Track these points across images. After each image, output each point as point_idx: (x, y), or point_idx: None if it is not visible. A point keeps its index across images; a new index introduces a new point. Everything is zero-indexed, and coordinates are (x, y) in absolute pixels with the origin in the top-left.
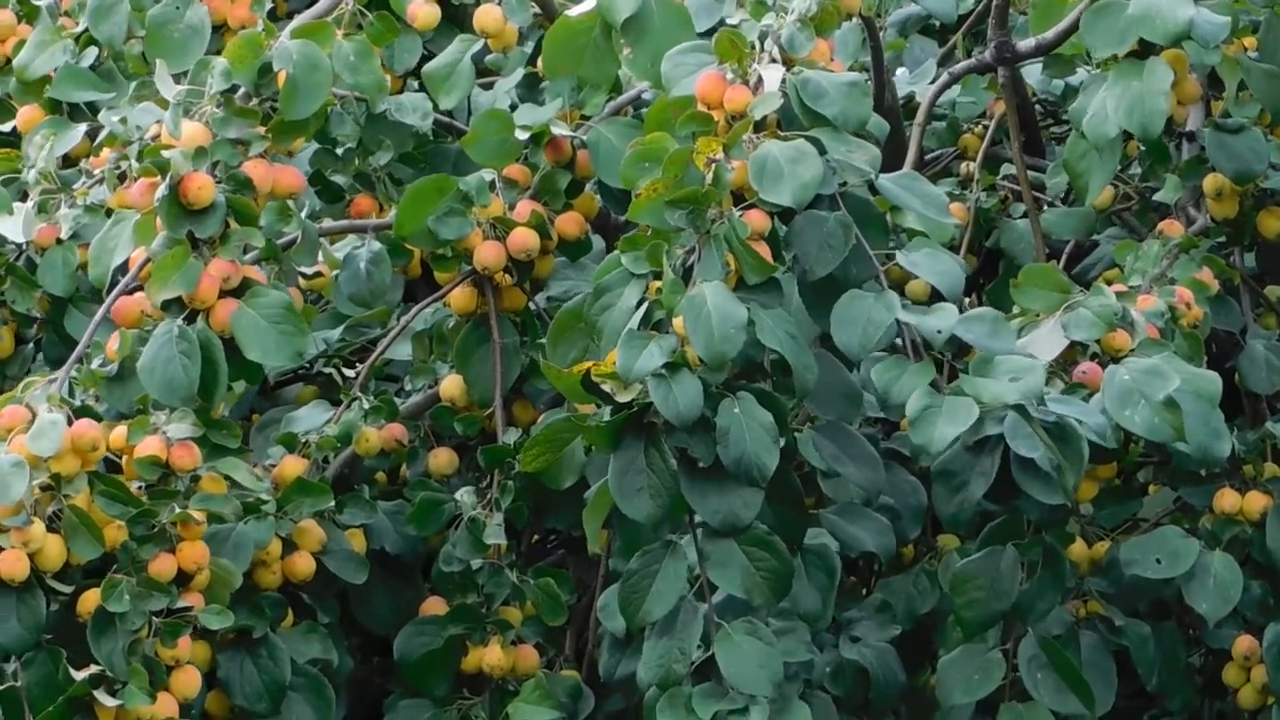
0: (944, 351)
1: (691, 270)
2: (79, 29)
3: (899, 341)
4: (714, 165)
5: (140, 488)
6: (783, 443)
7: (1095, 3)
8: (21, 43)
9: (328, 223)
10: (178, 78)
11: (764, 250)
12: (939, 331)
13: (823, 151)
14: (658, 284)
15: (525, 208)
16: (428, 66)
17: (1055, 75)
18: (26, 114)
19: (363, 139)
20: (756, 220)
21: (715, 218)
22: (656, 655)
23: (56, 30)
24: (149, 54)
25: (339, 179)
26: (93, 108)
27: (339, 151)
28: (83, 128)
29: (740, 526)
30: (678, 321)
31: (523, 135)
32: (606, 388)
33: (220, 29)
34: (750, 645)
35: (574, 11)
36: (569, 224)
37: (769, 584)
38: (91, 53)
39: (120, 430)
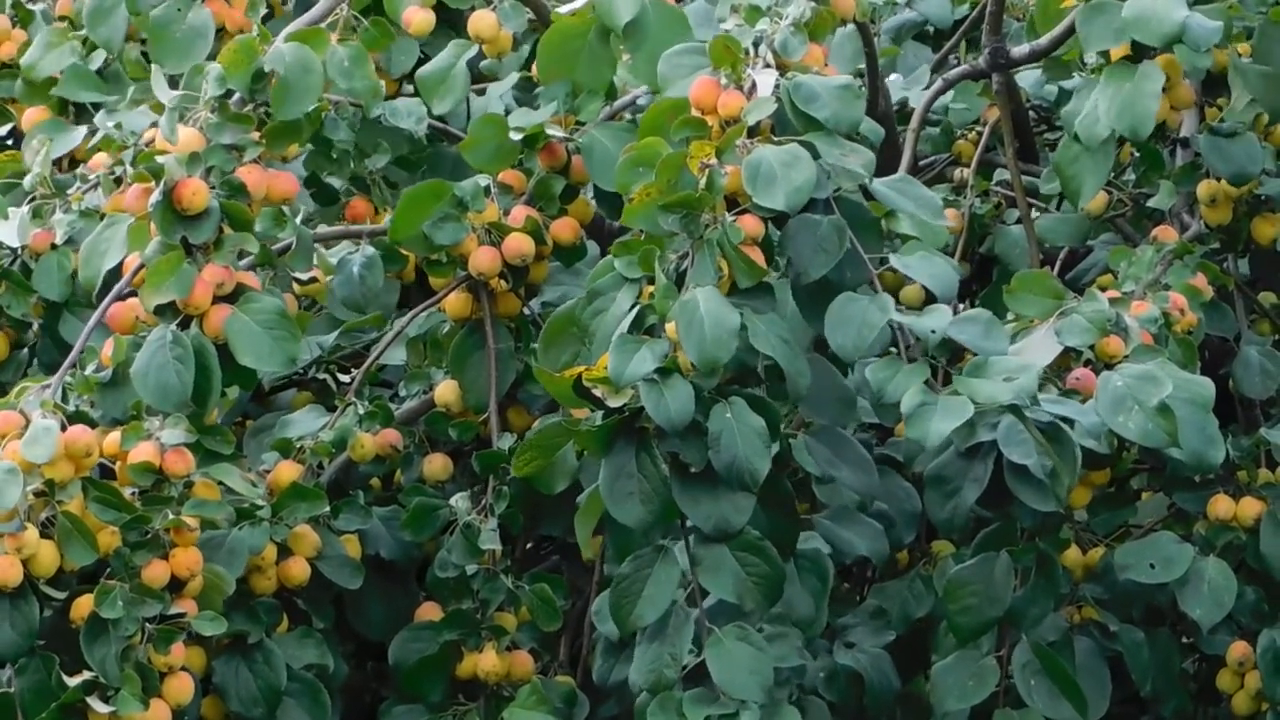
0: (938, 358)
1: (684, 275)
2: (84, 31)
3: (894, 350)
4: (707, 170)
5: (134, 493)
6: (776, 448)
7: (1090, 2)
8: (25, 46)
9: (323, 228)
10: (174, 81)
11: (757, 255)
12: (933, 331)
13: (816, 156)
14: (651, 289)
15: (520, 213)
16: (421, 71)
17: (1053, 79)
18: (32, 115)
19: (358, 142)
20: (750, 225)
21: (708, 222)
22: (648, 660)
23: (64, 31)
24: (152, 55)
25: (334, 181)
26: (99, 109)
27: (334, 155)
28: (82, 130)
29: (731, 532)
30: (670, 326)
31: (516, 136)
32: (598, 392)
33: (220, 32)
34: (741, 650)
35: (565, 9)
36: (564, 229)
37: (760, 589)
38: (99, 55)
39: (114, 436)
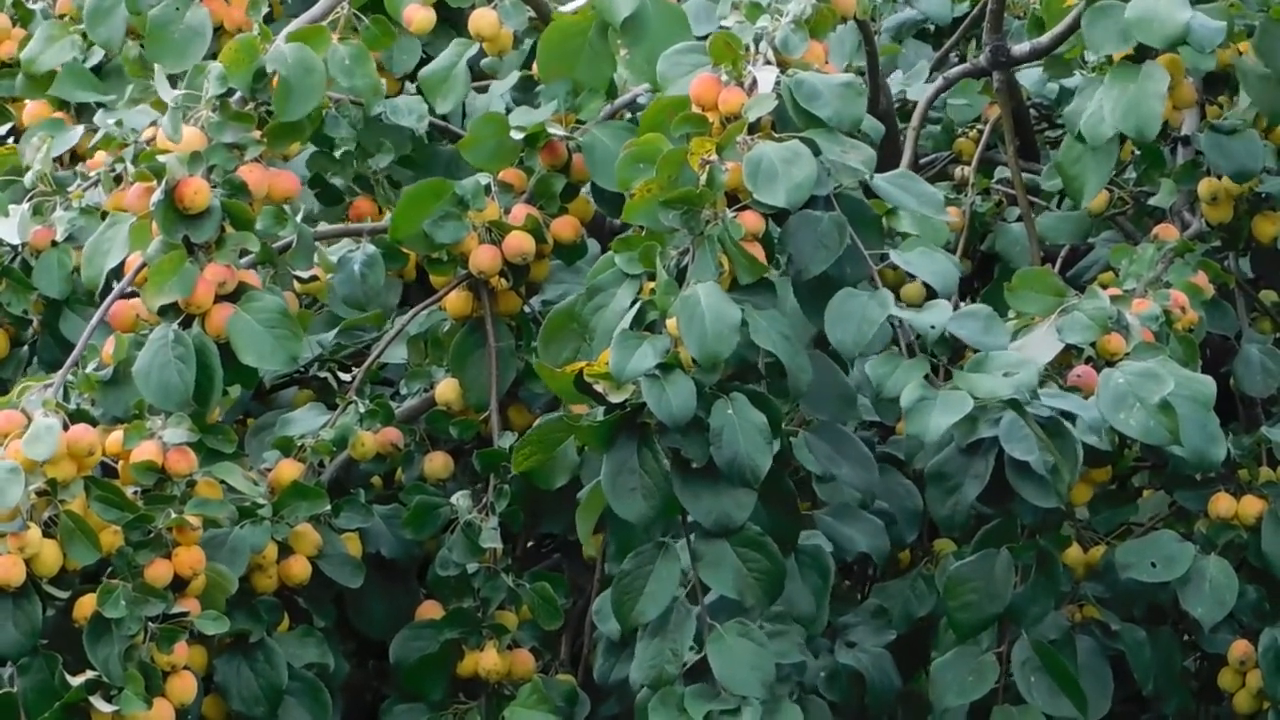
0: (939, 354)
1: (685, 271)
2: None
3: (895, 348)
4: (708, 166)
5: (136, 493)
6: (777, 445)
7: (1095, 3)
8: (24, 43)
9: (323, 226)
10: (174, 80)
11: (757, 251)
12: (932, 327)
13: (817, 152)
14: (652, 285)
15: (521, 212)
16: (424, 70)
17: (1054, 77)
18: (34, 110)
19: (361, 141)
20: (750, 221)
21: (709, 219)
22: (649, 656)
23: (65, 25)
24: (149, 55)
25: (338, 181)
26: (100, 105)
27: (337, 154)
28: (80, 129)
29: (733, 527)
30: (671, 322)
31: (517, 136)
32: (599, 388)
33: (218, 31)
34: (742, 646)
35: (566, 8)
36: (564, 228)
37: (761, 585)
38: (98, 52)
39: (116, 435)
